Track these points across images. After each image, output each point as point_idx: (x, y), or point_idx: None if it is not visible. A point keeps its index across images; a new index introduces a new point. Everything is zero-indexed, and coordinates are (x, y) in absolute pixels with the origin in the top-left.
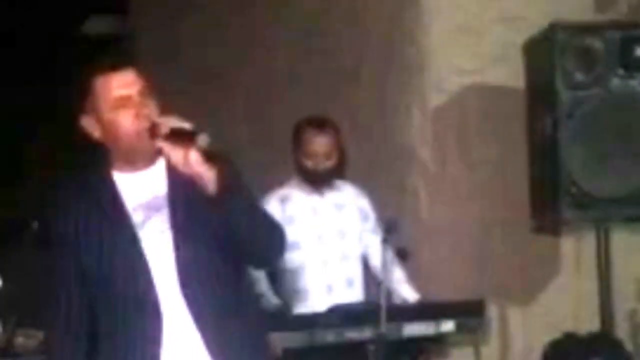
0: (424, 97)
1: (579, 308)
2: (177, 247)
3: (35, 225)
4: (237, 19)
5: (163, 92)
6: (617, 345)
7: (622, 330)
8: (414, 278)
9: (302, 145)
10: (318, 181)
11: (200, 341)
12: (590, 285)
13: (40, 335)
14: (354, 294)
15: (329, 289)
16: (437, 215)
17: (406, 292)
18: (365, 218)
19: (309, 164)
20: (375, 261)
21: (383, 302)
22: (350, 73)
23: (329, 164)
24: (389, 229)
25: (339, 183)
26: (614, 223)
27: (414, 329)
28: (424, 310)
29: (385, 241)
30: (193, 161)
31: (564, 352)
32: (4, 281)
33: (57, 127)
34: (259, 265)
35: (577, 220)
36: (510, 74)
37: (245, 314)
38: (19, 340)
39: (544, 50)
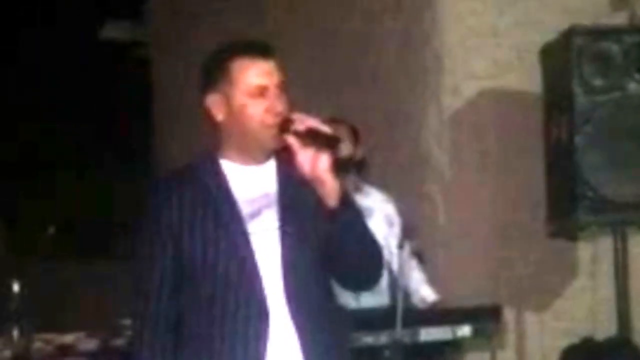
0: (440, 101)
1: (595, 313)
2: (284, 247)
3: (52, 230)
4: (253, 24)
5: (178, 97)
6: (634, 350)
7: (639, 335)
8: (430, 283)
9: None
10: (337, 168)
11: (297, 343)
12: (607, 290)
13: (56, 340)
14: (380, 299)
15: (357, 294)
16: (453, 220)
17: (425, 293)
18: (390, 224)
19: None
20: (396, 266)
21: (399, 307)
22: (367, 77)
23: (348, 150)
24: (406, 235)
25: (366, 188)
26: (631, 227)
27: (430, 333)
28: (440, 315)
29: (401, 247)
30: (322, 167)
31: (580, 357)
32: (22, 287)
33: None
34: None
35: (593, 224)
36: (527, 79)
37: (335, 321)
38: (36, 345)
39: (560, 55)
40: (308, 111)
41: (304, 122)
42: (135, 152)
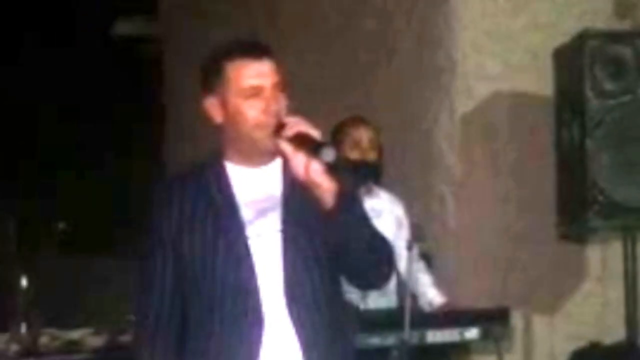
0: (452, 102)
1: (604, 317)
2: (286, 251)
3: (60, 226)
4: (266, 23)
5: (190, 96)
6: None
7: None
8: (439, 284)
9: (347, 137)
10: (365, 172)
11: (298, 349)
12: (615, 294)
13: (64, 335)
14: (388, 300)
15: (364, 295)
16: (463, 221)
17: (432, 295)
18: (399, 226)
19: (355, 154)
20: (404, 268)
21: (407, 308)
22: (379, 77)
23: (374, 155)
24: (414, 237)
25: (376, 190)
26: None
27: (437, 335)
28: (448, 317)
29: (409, 248)
30: (314, 171)
31: None
32: (30, 282)
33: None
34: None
35: (604, 228)
36: (540, 81)
37: (341, 327)
38: (43, 340)
39: (573, 58)
40: (320, 111)
41: (295, 126)
42: (142, 151)
